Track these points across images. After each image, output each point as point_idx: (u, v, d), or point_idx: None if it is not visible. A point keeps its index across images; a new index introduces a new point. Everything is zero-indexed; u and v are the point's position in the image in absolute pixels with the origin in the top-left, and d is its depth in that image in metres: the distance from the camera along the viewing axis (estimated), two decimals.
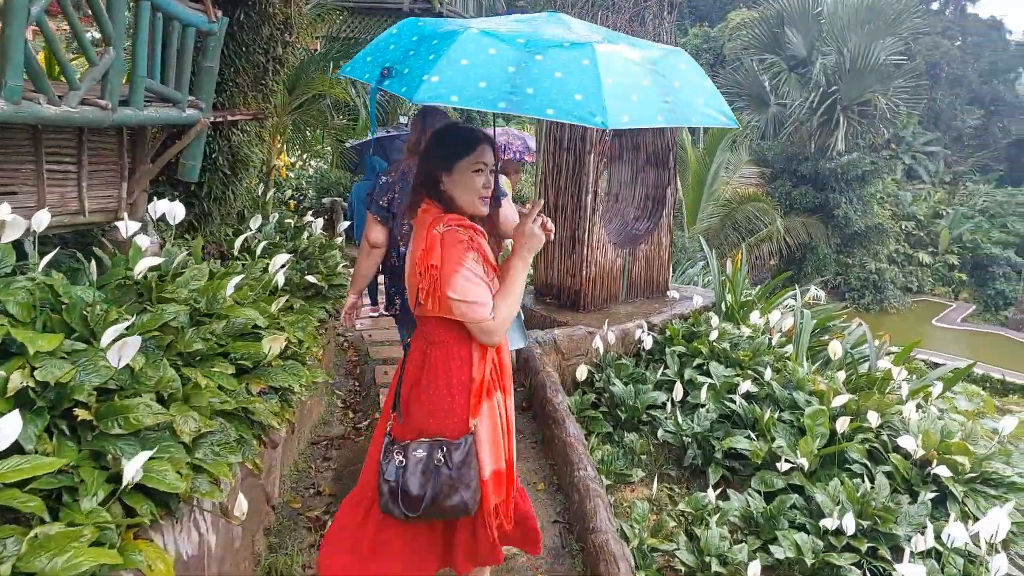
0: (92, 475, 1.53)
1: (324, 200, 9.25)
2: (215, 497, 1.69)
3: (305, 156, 11.58)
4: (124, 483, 1.48)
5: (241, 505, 1.78)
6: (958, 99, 29.85)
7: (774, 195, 19.11)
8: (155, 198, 3.02)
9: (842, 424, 3.28)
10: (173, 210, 2.62)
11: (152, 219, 2.71)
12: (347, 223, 5.35)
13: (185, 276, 2.37)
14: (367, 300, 6.40)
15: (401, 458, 1.80)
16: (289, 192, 7.60)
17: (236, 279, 2.23)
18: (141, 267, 2.02)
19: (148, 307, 2.09)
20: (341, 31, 5.90)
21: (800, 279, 18.37)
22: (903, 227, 24.48)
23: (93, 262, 2.35)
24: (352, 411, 4.39)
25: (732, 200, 16.14)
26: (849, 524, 2.74)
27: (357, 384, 5.03)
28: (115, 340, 1.61)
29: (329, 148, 8.49)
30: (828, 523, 2.77)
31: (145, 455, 1.42)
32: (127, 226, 2.29)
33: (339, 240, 5.12)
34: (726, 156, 15.05)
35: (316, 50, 6.07)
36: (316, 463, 3.64)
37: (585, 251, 5.08)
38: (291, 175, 11.57)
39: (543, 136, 5.38)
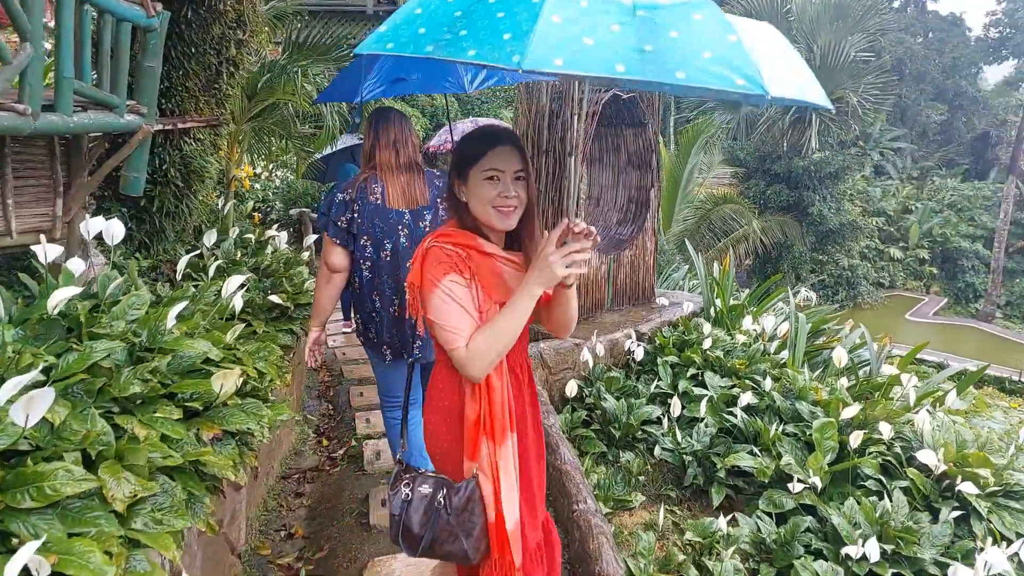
0: None
1: (291, 212, 8.88)
2: None
3: (270, 166, 11.18)
4: None
5: None
6: (923, 95, 30.44)
7: (748, 195, 19.14)
8: (102, 215, 2.69)
9: (856, 439, 3.07)
10: (110, 228, 2.30)
11: (86, 239, 2.38)
12: (315, 236, 5.09)
13: (121, 305, 2.05)
14: (338, 315, 6.11)
15: (408, 491, 1.69)
16: (251, 204, 7.22)
17: (179, 306, 1.92)
18: (56, 300, 1.70)
19: (75, 345, 1.78)
20: (301, 35, 5.57)
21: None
22: (874, 223, 24.80)
23: (11, 294, 2.03)
24: (327, 438, 4.07)
25: (707, 201, 16.08)
26: (873, 550, 2.52)
27: (331, 407, 4.71)
28: (22, 391, 1.30)
29: (294, 157, 8.13)
30: (852, 551, 2.54)
31: (33, 546, 1.12)
32: (46, 250, 1.97)
33: (306, 255, 4.80)
34: (700, 157, 14.99)
35: (276, 57, 5.75)
36: (287, 500, 3.32)
37: None
38: (256, 186, 11.15)
39: (521, 137, 5.13)
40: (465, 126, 7.10)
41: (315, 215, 7.25)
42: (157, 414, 1.75)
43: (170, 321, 1.90)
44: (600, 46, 1.14)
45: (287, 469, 3.63)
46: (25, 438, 1.46)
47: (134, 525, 1.45)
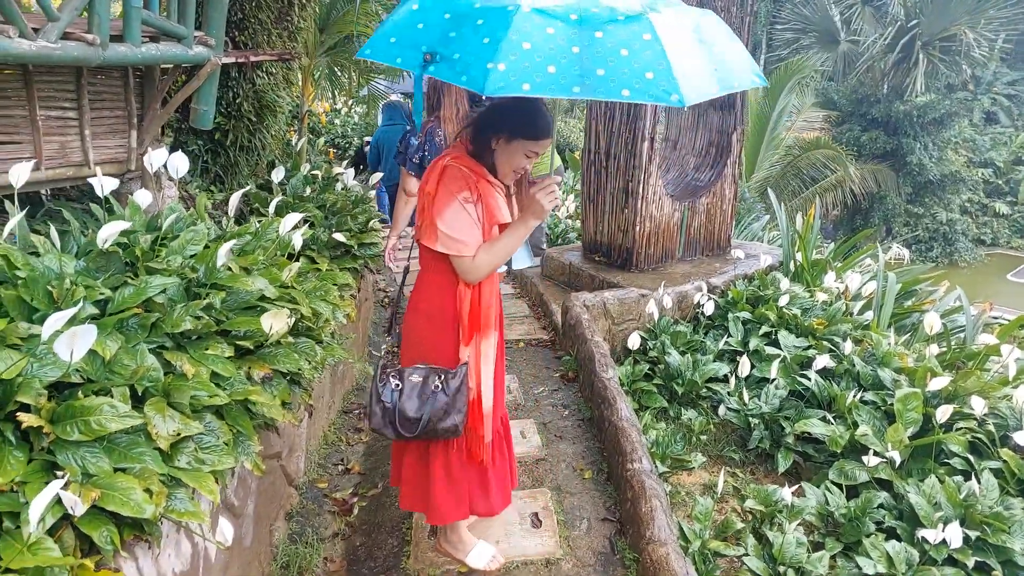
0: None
1: (365, 147, 8.88)
2: (196, 519, 1.39)
3: (349, 102, 11.17)
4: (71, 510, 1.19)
5: (224, 531, 1.49)
6: None
7: (841, 140, 17.84)
8: (179, 149, 2.69)
9: (944, 413, 2.81)
10: (174, 161, 2.28)
11: (157, 172, 2.39)
12: (374, 172, 5.17)
13: (180, 240, 2.05)
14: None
15: (397, 382, 1.94)
16: (323, 140, 7.23)
17: (230, 243, 1.88)
18: (105, 233, 1.69)
19: (131, 279, 1.78)
20: None
21: (868, 229, 17.29)
22: (980, 175, 22.75)
23: (81, 225, 2.06)
24: None
25: (795, 146, 15.09)
26: (955, 535, 2.32)
27: (396, 345, 4.75)
28: (66, 326, 1.30)
29: (369, 92, 8.06)
30: (930, 535, 2.35)
31: (55, 487, 1.11)
32: (102, 183, 1.96)
33: (372, 193, 4.77)
34: (791, 99, 13.99)
35: None
36: (347, 435, 3.39)
37: (639, 204, 4.61)
38: (335, 122, 11.21)
39: None
40: None
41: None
42: (208, 351, 1.74)
43: (220, 258, 1.87)
44: (560, 74, 1.39)
45: (349, 404, 3.70)
46: (77, 371, 1.47)
47: (177, 463, 1.45)
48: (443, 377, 1.92)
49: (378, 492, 2.80)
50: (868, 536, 2.58)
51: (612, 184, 4.76)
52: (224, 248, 1.86)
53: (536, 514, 2.51)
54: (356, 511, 2.67)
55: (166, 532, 1.50)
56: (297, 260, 2.45)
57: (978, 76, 24.46)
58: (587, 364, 3.40)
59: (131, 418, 1.38)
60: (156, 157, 2.19)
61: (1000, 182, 23.85)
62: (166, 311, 1.77)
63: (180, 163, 2.32)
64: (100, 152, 2.94)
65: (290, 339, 2.04)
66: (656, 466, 2.77)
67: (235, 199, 2.29)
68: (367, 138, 8.09)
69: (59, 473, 1.29)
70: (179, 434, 1.46)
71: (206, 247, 2.13)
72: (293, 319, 1.97)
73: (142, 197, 2.28)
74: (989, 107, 25.83)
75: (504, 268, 2.05)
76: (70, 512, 1.19)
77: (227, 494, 1.92)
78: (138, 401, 1.50)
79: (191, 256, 2.06)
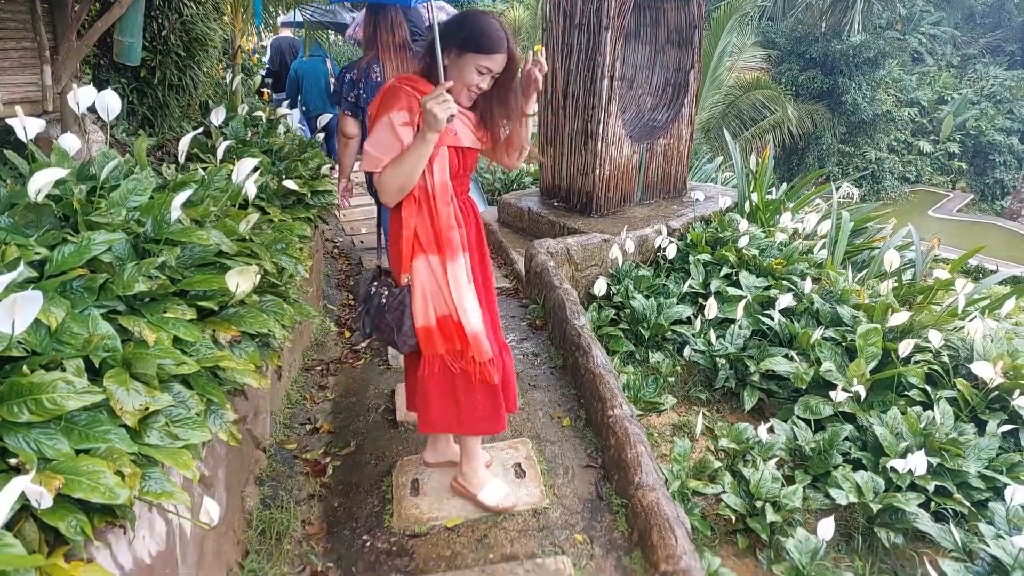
0: None
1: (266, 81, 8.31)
2: (175, 499, 1.26)
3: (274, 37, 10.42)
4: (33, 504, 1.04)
5: (210, 510, 1.37)
6: None
7: (779, 80, 18.07)
8: (107, 87, 2.38)
9: (906, 347, 2.90)
10: (104, 100, 2.02)
11: (82, 114, 2.11)
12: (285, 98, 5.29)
13: (122, 190, 1.82)
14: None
15: (372, 290, 2.10)
16: (259, 79, 6.75)
17: (185, 193, 1.68)
18: (38, 183, 1.46)
19: (71, 236, 1.57)
20: None
21: (802, 171, 17.75)
22: (907, 114, 23.58)
23: None
24: (348, 330, 3.97)
25: (736, 87, 15.18)
26: (920, 464, 2.41)
27: (351, 297, 4.58)
28: (4, 294, 1.11)
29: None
30: (898, 464, 2.43)
31: (21, 482, 0.96)
32: (24, 124, 1.71)
33: (321, 136, 4.49)
34: (731, 38, 13.96)
35: None
36: (311, 393, 3.25)
37: (599, 146, 4.50)
38: (263, 60, 10.47)
39: (550, 9, 4.64)
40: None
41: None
42: (167, 315, 1.57)
43: (174, 211, 1.67)
44: None
45: (310, 361, 3.55)
46: (19, 343, 1.29)
47: (148, 440, 1.31)
48: (387, 293, 2.05)
49: (351, 450, 2.70)
50: (836, 468, 2.67)
51: (571, 125, 4.62)
52: (178, 199, 1.65)
53: (519, 464, 2.47)
54: (330, 471, 2.57)
55: (138, 512, 1.37)
56: (252, 211, 2.24)
57: (904, 16, 25.04)
58: (557, 312, 3.34)
59: (91, 394, 1.22)
60: (83, 96, 1.93)
61: (924, 121, 24.79)
62: (115, 271, 1.57)
63: (112, 102, 2.05)
64: (8, 90, 2.61)
65: (255, 298, 1.88)
66: (633, 411, 2.77)
67: (185, 142, 2.05)
68: (263, 72, 7.67)
69: (12, 462, 1.13)
70: (147, 408, 1.31)
71: (151, 198, 1.92)
72: (259, 276, 1.80)
73: (69, 142, 2.02)
74: (916, 47, 26.54)
75: None
76: (35, 505, 1.04)
77: (198, 464, 1.78)
78: (95, 374, 1.33)
79: (135, 208, 1.85)
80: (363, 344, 3.68)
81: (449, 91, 1.79)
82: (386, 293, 2.05)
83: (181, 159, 2.05)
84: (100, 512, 1.19)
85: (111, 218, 1.69)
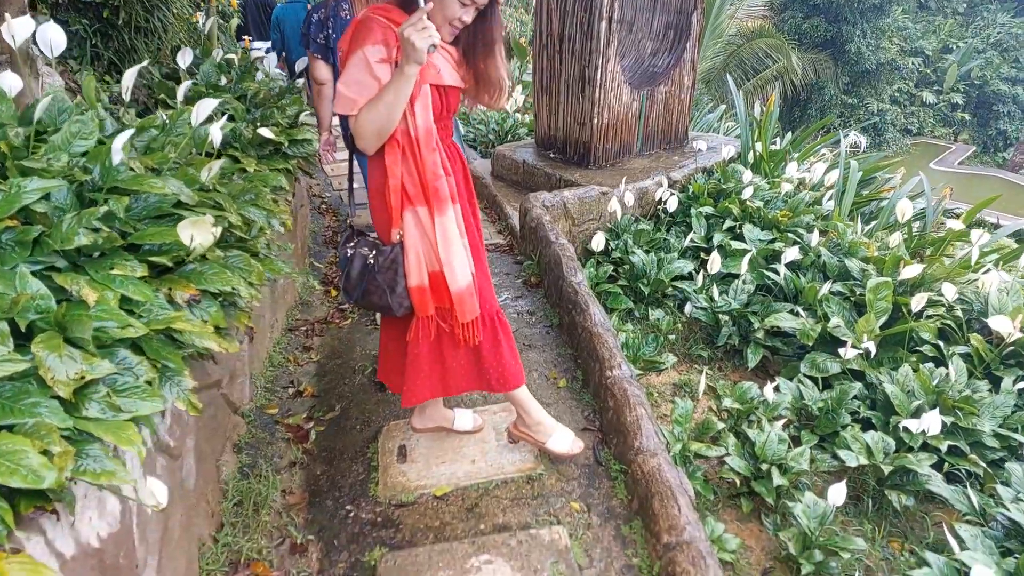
0: None
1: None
2: (117, 480, 1.12)
3: None
4: None
5: (156, 493, 1.23)
6: None
7: (782, 28, 17.51)
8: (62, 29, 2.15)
9: (919, 301, 2.75)
10: (46, 34, 1.80)
11: (13, 47, 1.89)
12: (265, 44, 5.04)
13: (64, 134, 1.63)
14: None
15: (351, 250, 1.93)
16: (235, 22, 6.41)
17: (126, 135, 1.48)
18: None
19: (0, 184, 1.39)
20: None
21: (804, 123, 17.37)
22: (912, 63, 23.03)
23: None
24: (335, 288, 3.80)
25: (738, 35, 14.70)
26: (934, 423, 2.29)
27: (338, 255, 4.40)
28: None
29: None
30: (911, 424, 2.31)
31: None
32: None
33: (300, 81, 4.24)
34: None
35: None
36: (295, 354, 3.10)
37: (597, 93, 4.26)
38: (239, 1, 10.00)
39: None
40: None
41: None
42: (114, 272, 1.40)
43: (116, 154, 1.48)
44: None
45: (294, 321, 3.39)
46: None
47: (86, 412, 1.15)
48: (375, 253, 1.89)
49: (336, 415, 2.57)
50: (844, 428, 2.55)
51: (567, 71, 4.37)
52: (119, 140, 1.46)
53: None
54: (313, 436, 2.44)
55: (83, 493, 1.23)
56: (219, 159, 2.05)
57: None
58: (553, 268, 3.17)
59: (13, 363, 1.06)
60: (18, 28, 1.71)
61: (928, 71, 24.25)
62: (52, 222, 1.40)
63: (55, 35, 1.82)
64: None
65: (219, 253, 1.70)
66: (632, 371, 2.63)
67: (129, 76, 1.83)
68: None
69: None
70: (83, 377, 1.15)
71: (100, 143, 1.72)
72: (220, 228, 1.62)
73: (9, 81, 1.81)
74: None
75: None
76: None
77: (160, 435, 1.64)
78: (23, 339, 1.17)
79: (82, 154, 1.66)
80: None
81: (430, 18, 1.59)
82: (373, 253, 1.89)
83: (126, 96, 1.84)
84: (28, 496, 1.04)
85: (49, 164, 1.50)
